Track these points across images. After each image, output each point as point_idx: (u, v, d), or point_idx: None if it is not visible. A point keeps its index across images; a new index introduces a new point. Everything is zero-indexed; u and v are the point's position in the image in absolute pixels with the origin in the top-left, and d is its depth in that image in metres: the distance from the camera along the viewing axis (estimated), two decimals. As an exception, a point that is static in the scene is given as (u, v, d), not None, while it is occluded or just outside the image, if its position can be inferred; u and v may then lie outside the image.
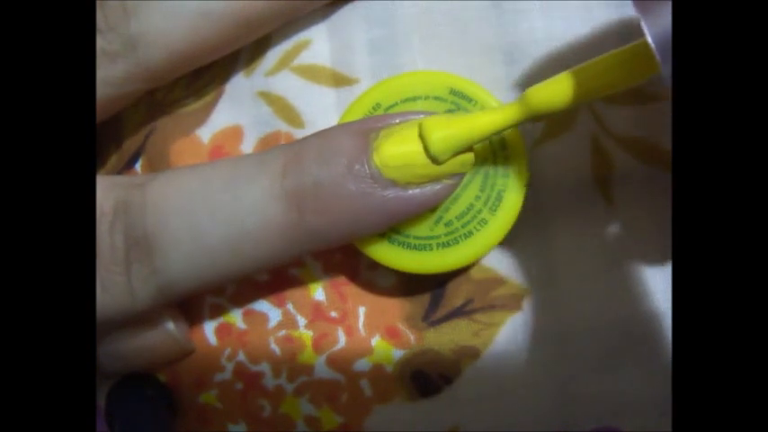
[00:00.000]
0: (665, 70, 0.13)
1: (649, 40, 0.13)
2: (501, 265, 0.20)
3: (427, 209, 0.17)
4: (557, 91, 0.16)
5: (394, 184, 0.16)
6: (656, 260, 0.19)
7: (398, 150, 0.16)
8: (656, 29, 0.13)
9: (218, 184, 0.17)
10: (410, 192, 0.17)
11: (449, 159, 0.17)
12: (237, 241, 0.17)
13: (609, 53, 0.15)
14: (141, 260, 0.17)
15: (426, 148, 0.16)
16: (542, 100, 0.16)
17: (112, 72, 0.18)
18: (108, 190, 0.17)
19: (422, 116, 0.17)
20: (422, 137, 0.16)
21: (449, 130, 0.16)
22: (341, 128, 0.17)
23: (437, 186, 0.17)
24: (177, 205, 0.17)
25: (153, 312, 0.19)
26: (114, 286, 0.17)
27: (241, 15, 0.18)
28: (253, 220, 0.17)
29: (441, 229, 0.18)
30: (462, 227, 0.18)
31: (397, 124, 0.17)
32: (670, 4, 0.13)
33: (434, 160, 0.16)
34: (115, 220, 0.17)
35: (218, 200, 0.17)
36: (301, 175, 0.16)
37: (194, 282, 0.17)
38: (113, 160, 0.21)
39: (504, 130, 0.16)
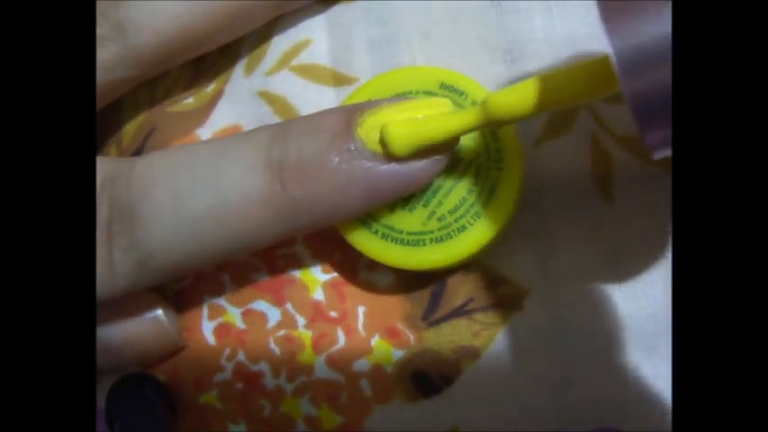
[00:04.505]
0: (626, 89, 0.13)
1: (612, 56, 0.13)
2: (501, 264, 0.20)
3: (412, 188, 0.17)
4: (516, 99, 0.15)
5: (377, 156, 0.16)
6: (656, 259, 0.19)
7: (383, 122, 0.16)
8: (622, 44, 0.13)
9: (204, 156, 0.17)
10: (394, 166, 0.16)
11: (409, 157, 0.16)
12: (219, 211, 0.16)
13: (571, 65, 0.15)
14: (123, 232, 0.17)
15: (385, 146, 0.16)
16: (501, 107, 0.16)
17: (102, 56, 0.18)
18: (98, 166, 0.17)
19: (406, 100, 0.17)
20: (382, 136, 0.16)
21: (407, 130, 0.16)
22: (327, 109, 0.17)
23: (422, 163, 0.17)
24: (162, 175, 0.17)
25: (141, 301, 0.19)
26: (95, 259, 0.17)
27: (230, 2, 0.18)
28: (235, 190, 0.16)
29: (434, 224, 0.18)
30: (455, 221, 0.18)
31: (384, 103, 0.17)
32: (639, 20, 0.12)
33: (392, 157, 0.16)
34: (102, 192, 0.17)
35: (202, 170, 0.17)
36: (285, 148, 0.16)
37: (175, 254, 0.17)
38: (113, 159, 0.21)
39: (464, 133, 0.16)
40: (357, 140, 0.16)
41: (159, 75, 0.21)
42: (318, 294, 0.20)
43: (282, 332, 0.20)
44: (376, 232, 0.18)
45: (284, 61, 0.21)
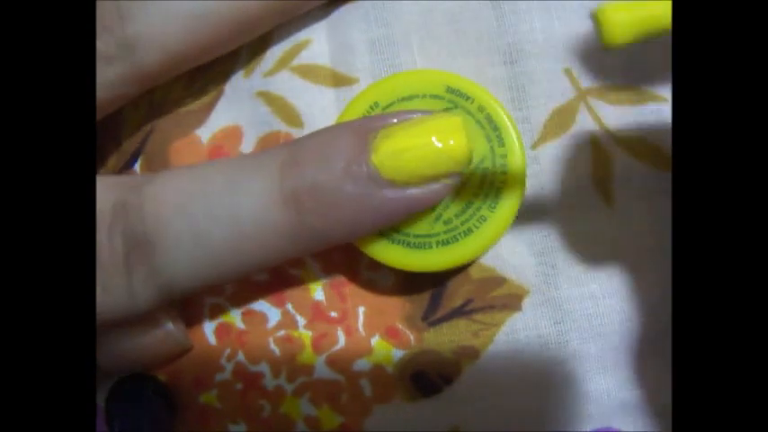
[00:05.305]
0: None
1: None
2: (501, 264, 0.20)
3: (427, 208, 0.17)
4: None
5: (392, 184, 0.16)
6: (656, 260, 0.19)
7: (397, 150, 0.16)
8: None
9: (217, 187, 0.17)
10: (409, 191, 0.17)
11: (624, 44, 0.14)
12: (238, 242, 0.17)
13: None
14: (142, 262, 0.17)
15: (600, 33, 0.14)
16: None
17: (107, 75, 0.17)
18: (105, 192, 0.17)
19: (419, 115, 0.17)
20: (597, 25, 0.14)
21: (627, 17, 0.14)
22: (338, 128, 0.17)
23: (436, 186, 0.17)
24: (177, 208, 0.17)
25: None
26: (115, 288, 0.17)
27: (237, 16, 0.18)
28: (252, 222, 0.16)
29: (440, 227, 0.18)
30: (462, 224, 0.18)
31: (396, 124, 0.17)
32: None
33: (609, 45, 0.14)
34: (114, 223, 0.17)
35: (217, 202, 0.17)
36: (299, 176, 0.16)
37: (196, 282, 0.17)
38: (113, 160, 0.21)
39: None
40: (371, 167, 0.16)
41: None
42: (319, 294, 0.20)
43: (282, 332, 0.20)
44: (382, 234, 0.18)
45: (284, 62, 0.21)
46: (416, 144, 0.16)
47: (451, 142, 0.16)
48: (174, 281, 0.17)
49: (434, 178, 0.17)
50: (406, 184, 0.16)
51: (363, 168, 0.16)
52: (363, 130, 0.17)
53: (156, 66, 0.18)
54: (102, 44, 0.17)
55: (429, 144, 0.16)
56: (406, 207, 0.17)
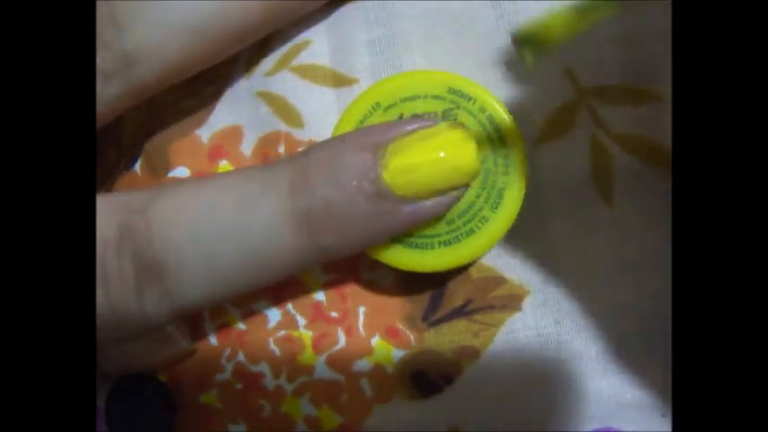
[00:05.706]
0: None
1: None
2: (501, 264, 0.20)
3: (436, 216, 0.17)
4: None
5: (403, 199, 0.17)
6: (656, 259, 0.19)
7: (408, 167, 0.16)
8: None
9: (226, 207, 0.17)
10: (419, 205, 0.17)
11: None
12: (250, 263, 0.17)
13: None
14: (152, 286, 0.17)
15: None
16: None
17: (106, 91, 0.17)
18: (108, 215, 0.17)
19: (425, 124, 0.17)
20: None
21: None
22: (346, 142, 0.17)
23: (445, 198, 0.17)
24: (186, 231, 0.17)
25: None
26: (126, 310, 0.17)
27: (238, 25, 0.18)
28: (263, 243, 0.17)
29: (442, 228, 0.18)
30: (464, 225, 0.18)
31: (404, 137, 0.17)
32: None
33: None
34: (121, 248, 0.17)
35: (227, 224, 0.17)
36: (310, 196, 0.16)
37: (207, 301, 0.17)
38: (113, 160, 0.21)
39: None
40: (382, 185, 0.16)
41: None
42: (319, 295, 0.20)
43: (283, 332, 0.20)
44: None
45: (284, 62, 0.21)
46: (427, 160, 0.16)
47: (461, 156, 0.17)
48: (185, 300, 0.17)
49: (444, 191, 0.17)
50: (417, 197, 0.17)
51: (375, 186, 0.16)
52: (372, 144, 0.17)
53: (156, 78, 0.18)
54: (101, 60, 0.17)
55: (439, 159, 0.17)
56: (417, 219, 0.17)
